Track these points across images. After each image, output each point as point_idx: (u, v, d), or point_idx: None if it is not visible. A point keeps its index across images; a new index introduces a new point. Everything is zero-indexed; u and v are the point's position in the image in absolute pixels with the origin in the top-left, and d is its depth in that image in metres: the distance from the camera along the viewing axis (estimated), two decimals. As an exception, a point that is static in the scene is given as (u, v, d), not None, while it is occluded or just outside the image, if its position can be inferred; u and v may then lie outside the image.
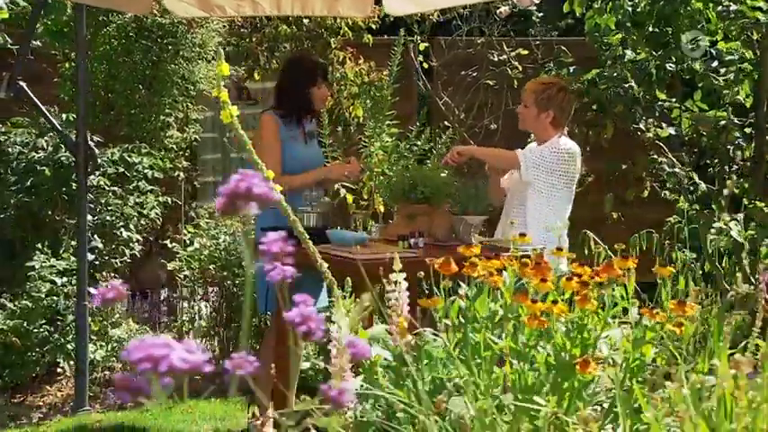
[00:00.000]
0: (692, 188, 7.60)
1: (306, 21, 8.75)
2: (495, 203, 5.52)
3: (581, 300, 2.38)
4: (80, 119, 5.88)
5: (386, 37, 8.86)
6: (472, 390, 2.42)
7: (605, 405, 2.42)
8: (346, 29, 8.92)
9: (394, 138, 7.45)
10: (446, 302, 2.59)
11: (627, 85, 7.30)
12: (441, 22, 7.96)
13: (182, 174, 7.66)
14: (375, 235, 5.30)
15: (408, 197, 5.31)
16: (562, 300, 2.64)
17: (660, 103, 7.80)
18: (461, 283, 2.84)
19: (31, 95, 5.95)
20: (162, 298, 7.27)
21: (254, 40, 8.71)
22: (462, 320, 2.57)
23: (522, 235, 3.08)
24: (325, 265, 3.34)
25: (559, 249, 3.12)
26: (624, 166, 8.03)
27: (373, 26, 8.93)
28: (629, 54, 7.86)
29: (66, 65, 7.70)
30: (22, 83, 5.93)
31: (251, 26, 8.75)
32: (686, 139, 7.86)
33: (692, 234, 6.70)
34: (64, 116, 6.77)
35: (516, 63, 7.61)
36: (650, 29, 7.75)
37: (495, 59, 7.67)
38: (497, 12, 7.42)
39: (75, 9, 5.97)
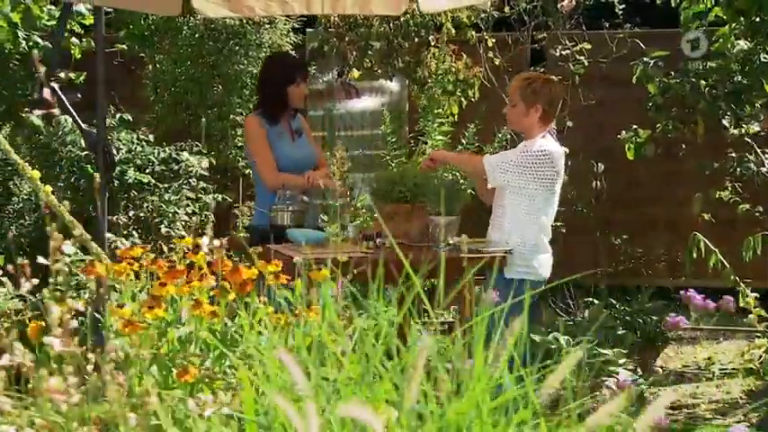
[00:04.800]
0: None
1: (402, 18, 8.63)
2: (487, 203, 5.34)
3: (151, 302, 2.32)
4: (99, 118, 6.04)
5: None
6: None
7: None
8: (449, 26, 8.74)
9: (448, 136, 7.32)
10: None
11: (694, 80, 6.82)
12: (507, 17, 7.68)
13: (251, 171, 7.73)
14: (351, 234, 5.19)
15: (389, 196, 5.20)
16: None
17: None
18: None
19: (61, 96, 6.15)
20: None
21: (346, 39, 8.68)
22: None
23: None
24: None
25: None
26: (716, 165, 7.58)
27: (480, 23, 8.70)
28: (742, 44, 7.39)
29: (150, 67, 7.99)
30: (55, 84, 6.14)
31: (346, 25, 8.71)
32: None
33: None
34: (122, 116, 7.01)
35: (583, 58, 7.22)
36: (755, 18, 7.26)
37: (558, 54, 7.32)
38: (560, 5, 7.08)
39: (94, 10, 6.12)
